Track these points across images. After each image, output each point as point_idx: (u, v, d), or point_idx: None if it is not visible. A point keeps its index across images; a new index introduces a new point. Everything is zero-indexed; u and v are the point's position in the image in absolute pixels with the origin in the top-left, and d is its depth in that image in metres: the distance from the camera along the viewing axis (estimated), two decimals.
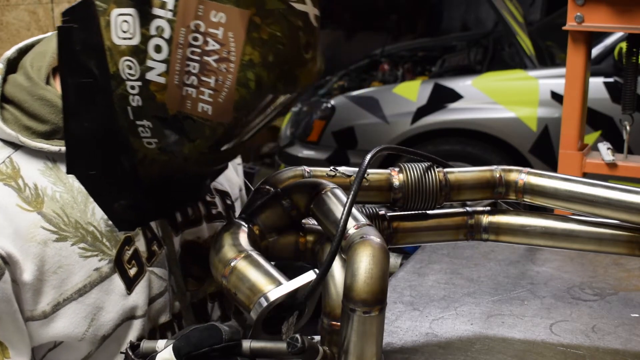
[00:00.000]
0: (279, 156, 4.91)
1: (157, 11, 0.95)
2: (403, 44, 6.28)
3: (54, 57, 1.14)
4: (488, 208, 1.30)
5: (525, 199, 1.27)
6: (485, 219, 1.29)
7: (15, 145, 1.10)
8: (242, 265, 1.00)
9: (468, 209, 1.30)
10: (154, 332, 1.16)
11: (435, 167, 1.25)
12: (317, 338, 1.01)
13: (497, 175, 1.27)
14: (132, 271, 1.12)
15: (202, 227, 1.22)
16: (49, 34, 1.20)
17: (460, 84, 4.44)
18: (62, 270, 1.06)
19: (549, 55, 4.80)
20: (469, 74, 4.68)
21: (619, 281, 1.48)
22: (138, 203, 1.08)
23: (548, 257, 1.60)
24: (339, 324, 0.97)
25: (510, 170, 1.28)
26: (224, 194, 1.30)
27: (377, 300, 0.93)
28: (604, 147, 2.53)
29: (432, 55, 5.56)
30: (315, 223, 1.13)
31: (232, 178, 1.35)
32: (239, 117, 0.99)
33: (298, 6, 0.96)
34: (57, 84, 1.13)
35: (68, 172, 1.04)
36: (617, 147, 2.58)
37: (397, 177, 1.23)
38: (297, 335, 0.91)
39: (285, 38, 0.95)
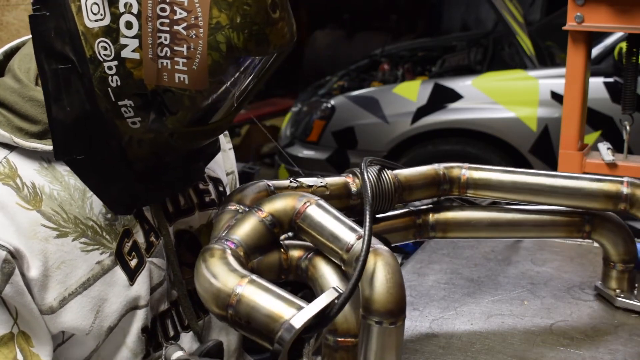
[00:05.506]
0: (279, 156, 4.91)
1: None
2: (403, 44, 6.27)
3: None
4: (431, 206, 1.32)
5: (468, 194, 1.29)
6: (432, 217, 1.31)
7: (10, 147, 1.10)
8: (251, 292, 0.90)
9: (413, 208, 1.31)
10: (154, 320, 1.17)
11: (386, 170, 1.25)
12: (318, 358, 0.99)
13: (441, 173, 1.28)
14: (133, 262, 1.13)
15: (194, 217, 1.23)
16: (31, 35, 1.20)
17: (460, 84, 4.44)
18: (65, 266, 1.08)
19: (549, 55, 4.79)
20: (469, 74, 4.68)
21: None
22: (131, 186, 1.09)
23: (548, 257, 1.60)
24: (346, 339, 0.95)
25: (452, 167, 1.30)
26: (217, 181, 1.32)
27: (401, 309, 0.90)
28: (604, 147, 2.53)
29: (432, 55, 5.55)
30: (293, 239, 1.07)
31: (222, 164, 1.36)
32: (215, 82, 1.00)
33: None
34: None
35: (56, 158, 1.06)
36: (617, 147, 2.58)
37: (354, 184, 1.22)
38: None
39: None
